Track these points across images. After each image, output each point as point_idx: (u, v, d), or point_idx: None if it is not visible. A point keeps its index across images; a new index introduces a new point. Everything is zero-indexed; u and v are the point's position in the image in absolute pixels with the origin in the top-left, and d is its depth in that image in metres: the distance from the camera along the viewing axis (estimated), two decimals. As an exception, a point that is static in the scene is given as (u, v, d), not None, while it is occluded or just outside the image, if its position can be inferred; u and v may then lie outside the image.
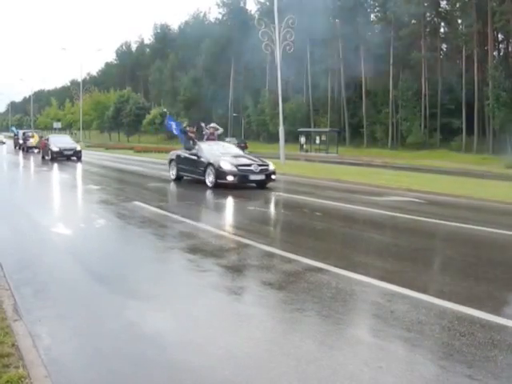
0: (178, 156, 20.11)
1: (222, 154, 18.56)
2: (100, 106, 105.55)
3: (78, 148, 34.41)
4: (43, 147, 35.81)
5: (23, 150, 49.00)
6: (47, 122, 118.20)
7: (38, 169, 28.59)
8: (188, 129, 23.59)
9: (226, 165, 17.34)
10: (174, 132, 25.01)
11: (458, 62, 67.47)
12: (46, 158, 33.92)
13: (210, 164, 17.71)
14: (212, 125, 23.32)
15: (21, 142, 51.70)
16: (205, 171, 17.84)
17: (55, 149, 32.94)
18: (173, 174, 20.29)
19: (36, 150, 44.94)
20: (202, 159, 18.26)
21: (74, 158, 33.62)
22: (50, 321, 5.41)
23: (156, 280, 6.99)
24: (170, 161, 20.71)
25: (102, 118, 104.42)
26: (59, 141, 35.20)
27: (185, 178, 20.01)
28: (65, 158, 33.10)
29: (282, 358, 4.50)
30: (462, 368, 4.27)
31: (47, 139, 35.95)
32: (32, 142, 46.31)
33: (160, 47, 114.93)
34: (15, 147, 56.80)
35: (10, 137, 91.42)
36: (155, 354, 4.67)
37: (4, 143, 76.58)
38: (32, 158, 37.07)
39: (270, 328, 5.32)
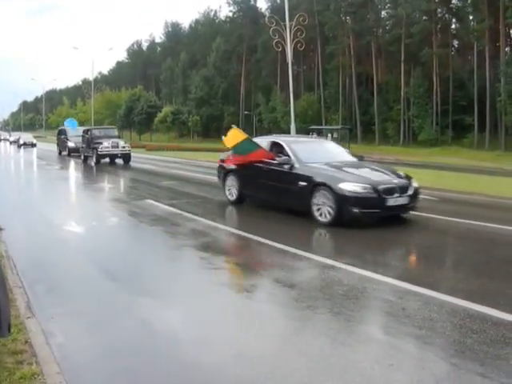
0: None
1: None
2: (111, 104, 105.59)
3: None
4: (242, 168, 13.01)
5: (85, 160, 30.23)
6: (59, 121, 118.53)
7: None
8: None
9: None
10: None
11: (470, 58, 67.00)
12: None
13: None
14: None
15: (71, 145, 35.60)
16: None
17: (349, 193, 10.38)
18: None
19: (93, 159, 28.43)
20: None
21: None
22: (63, 318, 5.46)
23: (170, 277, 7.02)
24: None
25: (114, 116, 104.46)
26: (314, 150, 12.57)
27: None
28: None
29: (294, 355, 4.51)
30: (474, 366, 4.25)
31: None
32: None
33: (171, 46, 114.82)
34: (60, 153, 39.10)
35: (37, 136, 72.87)
36: (167, 351, 4.70)
37: (34, 145, 57.29)
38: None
39: (282, 325, 5.33)
